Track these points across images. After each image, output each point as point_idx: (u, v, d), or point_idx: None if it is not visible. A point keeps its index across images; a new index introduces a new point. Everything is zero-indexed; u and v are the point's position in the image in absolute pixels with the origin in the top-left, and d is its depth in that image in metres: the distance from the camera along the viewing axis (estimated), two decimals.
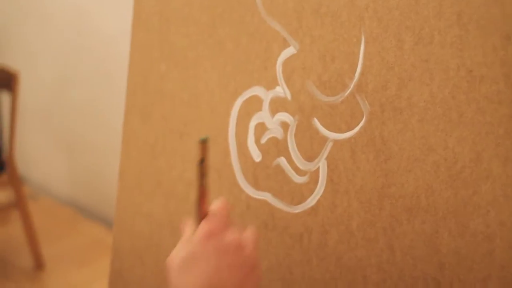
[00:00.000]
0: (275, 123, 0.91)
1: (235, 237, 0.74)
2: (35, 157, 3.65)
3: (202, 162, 0.79)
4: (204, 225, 0.75)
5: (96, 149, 3.16)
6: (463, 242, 0.75)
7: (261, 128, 0.93)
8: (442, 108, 0.75)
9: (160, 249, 1.10)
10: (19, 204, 2.71)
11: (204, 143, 0.78)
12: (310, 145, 0.88)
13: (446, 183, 0.76)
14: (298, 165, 0.89)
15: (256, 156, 0.94)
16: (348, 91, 0.83)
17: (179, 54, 1.04)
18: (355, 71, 0.82)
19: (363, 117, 0.82)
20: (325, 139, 0.86)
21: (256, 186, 0.95)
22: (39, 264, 2.76)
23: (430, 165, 0.77)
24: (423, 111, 0.77)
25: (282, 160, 0.91)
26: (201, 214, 0.78)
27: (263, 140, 0.93)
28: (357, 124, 0.82)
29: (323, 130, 0.86)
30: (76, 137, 3.32)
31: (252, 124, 0.94)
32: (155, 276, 1.11)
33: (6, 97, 3.24)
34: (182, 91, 1.04)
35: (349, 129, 0.83)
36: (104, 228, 3.07)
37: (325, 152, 0.86)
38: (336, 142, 0.85)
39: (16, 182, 2.66)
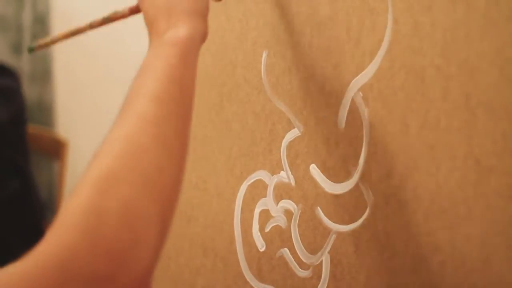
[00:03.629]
0: (279, 210, 0.84)
1: None
2: None
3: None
4: None
5: None
6: None
7: (265, 215, 0.87)
8: (448, 202, 0.67)
9: None
10: None
11: None
12: (313, 236, 0.80)
13: (453, 287, 0.67)
14: (302, 257, 0.82)
15: (261, 245, 0.87)
16: (352, 180, 0.75)
17: None
18: (359, 158, 0.75)
19: (366, 208, 0.74)
20: (328, 231, 0.78)
21: (260, 278, 0.87)
22: None
23: (436, 265, 0.68)
24: (428, 205, 0.68)
25: (286, 252, 0.84)
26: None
27: (267, 229, 0.86)
28: (361, 216, 0.75)
29: (327, 221, 0.78)
30: None
31: (257, 211, 0.88)
32: None
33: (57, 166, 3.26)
34: (190, 173, 0.98)
35: (353, 220, 0.76)
36: None
37: (328, 245, 0.78)
38: (339, 234, 0.77)
39: None
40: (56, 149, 2.57)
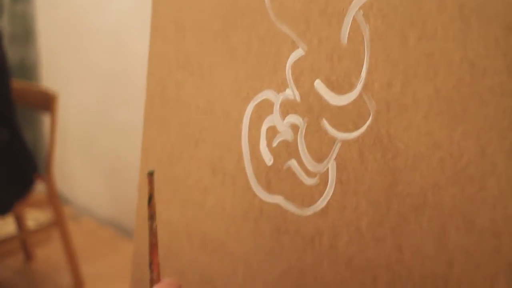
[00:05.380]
0: (285, 125, 0.91)
1: None
2: (77, 179, 3.71)
3: (151, 199, 0.80)
4: (157, 286, 0.80)
5: (136, 170, 3.19)
6: (471, 239, 0.74)
7: (272, 131, 0.93)
8: (446, 103, 0.74)
9: (178, 257, 1.10)
10: (59, 223, 2.74)
11: (151, 175, 0.80)
12: (319, 146, 0.87)
13: (452, 179, 0.74)
14: (308, 166, 0.89)
15: (268, 159, 0.94)
16: (355, 91, 0.82)
17: (194, 62, 1.05)
18: (361, 70, 0.82)
19: (369, 116, 0.81)
20: (333, 140, 0.85)
21: (269, 189, 0.94)
22: (78, 283, 2.79)
23: (436, 161, 0.75)
24: (428, 107, 0.76)
25: (293, 163, 0.90)
26: (154, 265, 0.83)
27: (275, 143, 0.93)
28: (364, 123, 0.82)
29: (332, 131, 0.85)
30: (117, 158, 3.36)
31: (264, 128, 0.94)
32: None
33: (47, 119, 3.30)
34: (197, 99, 1.05)
35: (357, 128, 0.83)
36: None
37: (334, 153, 0.85)
38: (344, 142, 0.84)
39: (55, 201, 2.70)
40: (46, 103, 2.62)
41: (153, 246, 0.82)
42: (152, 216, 0.81)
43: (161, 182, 1.13)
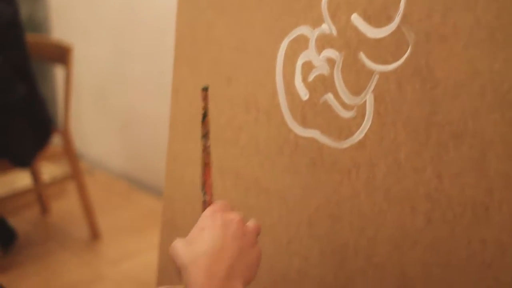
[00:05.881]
0: (321, 60, 0.92)
1: (238, 215, 0.80)
2: (90, 133, 3.72)
3: (205, 117, 0.82)
4: (210, 207, 0.82)
5: (149, 123, 3.20)
6: (511, 165, 0.75)
7: (308, 66, 0.94)
8: (487, 32, 0.75)
9: None
10: (75, 176, 2.76)
11: (205, 91, 0.80)
12: (357, 79, 0.88)
13: (492, 106, 0.75)
14: (345, 100, 0.90)
15: (304, 94, 0.95)
16: (394, 23, 0.83)
17: (225, 1, 1.05)
18: (400, 2, 0.82)
19: (408, 47, 0.82)
20: (371, 72, 0.86)
21: (304, 124, 0.96)
22: (95, 234, 2.82)
23: (477, 89, 0.77)
24: (468, 36, 0.77)
25: (329, 96, 0.92)
26: (206, 187, 0.85)
27: (310, 78, 0.94)
28: (403, 55, 0.83)
29: (369, 63, 0.86)
30: (130, 111, 3.37)
31: (299, 63, 0.95)
32: None
33: (61, 72, 3.31)
34: (229, 37, 1.05)
35: (395, 60, 0.84)
36: (156, 199, 3.13)
37: (372, 85, 0.86)
38: (382, 74, 0.85)
39: (71, 154, 2.71)
40: (61, 56, 2.62)
41: (207, 165, 0.83)
42: (206, 134, 0.82)
43: (193, 121, 1.14)
